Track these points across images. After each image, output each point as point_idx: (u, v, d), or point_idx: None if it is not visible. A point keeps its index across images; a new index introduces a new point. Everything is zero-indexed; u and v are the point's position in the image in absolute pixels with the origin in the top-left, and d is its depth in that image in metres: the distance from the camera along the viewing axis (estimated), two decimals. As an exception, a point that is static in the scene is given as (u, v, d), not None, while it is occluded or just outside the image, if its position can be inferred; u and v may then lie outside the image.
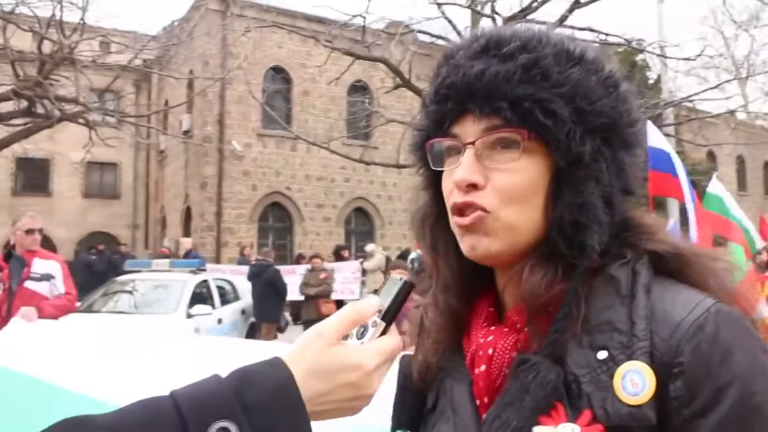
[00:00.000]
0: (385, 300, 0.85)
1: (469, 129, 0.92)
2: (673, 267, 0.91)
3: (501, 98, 0.88)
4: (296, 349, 0.80)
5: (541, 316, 0.89)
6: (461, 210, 0.92)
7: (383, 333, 0.84)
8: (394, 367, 1.11)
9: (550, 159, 0.90)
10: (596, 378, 0.83)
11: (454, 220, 0.94)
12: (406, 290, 0.85)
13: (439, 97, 0.95)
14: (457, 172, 0.91)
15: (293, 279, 13.52)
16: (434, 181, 1.01)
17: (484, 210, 0.90)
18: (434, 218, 1.02)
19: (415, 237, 1.08)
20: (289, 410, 0.72)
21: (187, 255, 15.32)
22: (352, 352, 0.80)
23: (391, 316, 0.85)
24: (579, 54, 0.92)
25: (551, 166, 0.90)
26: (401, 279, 0.86)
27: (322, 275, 12.63)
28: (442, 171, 0.97)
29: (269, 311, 11.97)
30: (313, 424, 0.75)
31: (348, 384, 0.79)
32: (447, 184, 0.95)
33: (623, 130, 0.92)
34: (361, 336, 0.83)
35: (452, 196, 0.93)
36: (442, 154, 0.96)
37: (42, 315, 5.36)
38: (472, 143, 0.91)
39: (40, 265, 6.01)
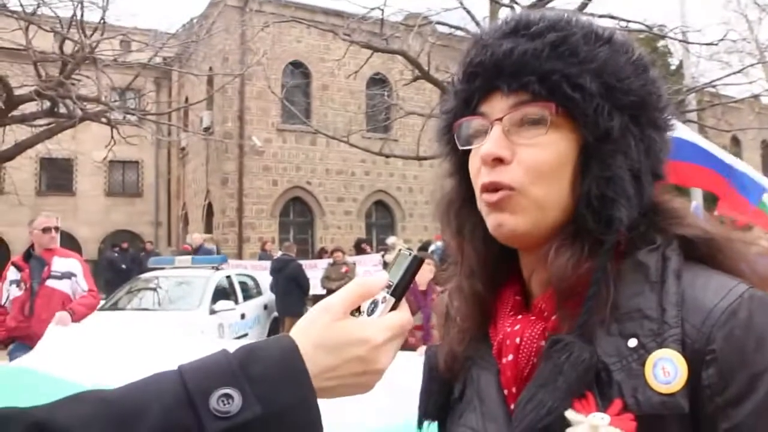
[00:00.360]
0: (395, 275, 0.84)
1: (497, 106, 0.92)
2: (705, 252, 0.89)
3: (529, 73, 0.88)
4: (303, 324, 0.80)
5: (570, 300, 0.88)
6: (489, 189, 0.91)
7: (393, 309, 0.83)
8: (419, 361, 1.10)
9: (577, 135, 0.89)
10: (627, 366, 0.81)
11: (482, 198, 0.93)
12: (416, 265, 0.84)
13: (467, 76, 0.95)
14: (484, 146, 0.91)
15: (315, 273, 13.58)
16: (461, 166, 1.01)
17: (511, 188, 0.89)
18: (460, 202, 1.02)
19: (440, 223, 1.07)
20: (293, 381, 0.72)
21: (198, 250, 15.33)
22: (359, 326, 0.79)
23: (400, 291, 0.83)
24: (608, 36, 0.93)
25: (579, 141, 0.89)
26: (411, 254, 0.85)
27: (344, 269, 12.69)
28: (468, 156, 0.97)
29: (292, 305, 12.03)
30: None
31: (356, 358, 0.78)
32: (474, 163, 0.95)
33: (652, 111, 0.91)
34: (371, 312, 0.82)
35: (480, 176, 0.92)
36: (470, 135, 0.96)
37: (75, 318, 5.53)
38: (500, 119, 0.91)
39: (60, 264, 6.09)
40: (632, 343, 0.82)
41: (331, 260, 13.47)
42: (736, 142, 30.19)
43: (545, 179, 0.89)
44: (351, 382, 0.79)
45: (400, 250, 0.88)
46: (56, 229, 6.22)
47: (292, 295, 12.01)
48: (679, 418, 0.78)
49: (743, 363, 0.78)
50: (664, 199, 0.95)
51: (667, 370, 0.79)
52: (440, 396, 1.05)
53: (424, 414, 1.07)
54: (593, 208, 0.87)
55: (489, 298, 1.01)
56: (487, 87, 0.92)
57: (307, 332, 0.78)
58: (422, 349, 4.79)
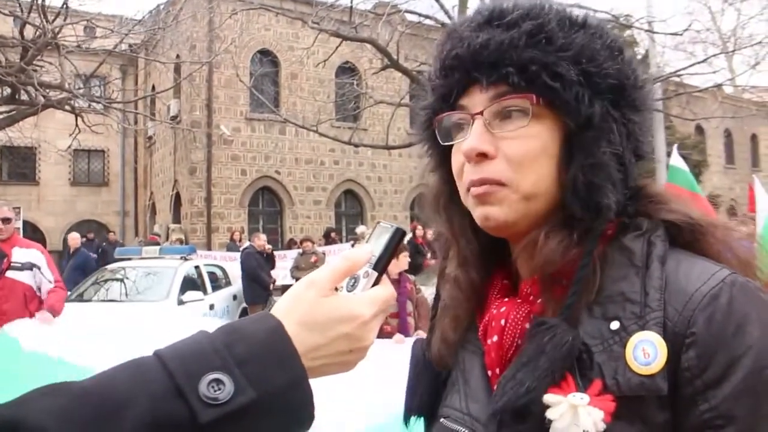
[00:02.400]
0: (376, 249, 0.81)
1: (477, 99, 0.91)
2: (688, 238, 0.90)
3: (507, 64, 0.87)
4: (287, 301, 0.76)
5: (555, 286, 0.88)
6: (475, 185, 0.91)
7: (375, 283, 0.80)
8: (407, 353, 1.09)
9: (560, 123, 0.89)
10: (608, 348, 0.82)
11: (469, 191, 0.92)
12: (398, 238, 0.81)
13: (445, 71, 0.94)
14: (466, 142, 0.90)
15: (284, 263, 13.59)
16: (443, 161, 1.01)
17: (501, 183, 0.89)
18: (447, 196, 1.02)
19: (431, 217, 1.07)
20: (283, 362, 0.69)
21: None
22: (346, 302, 0.76)
23: (383, 265, 0.80)
24: (582, 21, 0.93)
25: (561, 130, 0.89)
26: (392, 226, 0.82)
27: (313, 258, 12.69)
28: (450, 150, 0.97)
29: (247, 294, 12.10)
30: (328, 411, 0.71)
31: (343, 336, 0.75)
32: (457, 159, 0.94)
33: (631, 92, 0.92)
34: (352, 287, 0.79)
35: (466, 173, 0.92)
36: (451, 130, 0.95)
37: (57, 314, 5.53)
38: (480, 113, 0.90)
39: (20, 255, 5.98)
40: (614, 325, 0.83)
41: (300, 250, 13.45)
42: (700, 130, 30.71)
43: (531, 171, 0.89)
44: (336, 361, 0.76)
45: (378, 222, 0.85)
46: (7, 220, 6.07)
47: (247, 285, 12.06)
48: (658, 400, 0.79)
49: (723, 346, 0.79)
50: (647, 183, 0.96)
51: (647, 352, 0.80)
52: (428, 390, 1.04)
53: (411, 409, 1.06)
54: (580, 195, 0.87)
55: (482, 284, 1.01)
56: (465, 80, 0.92)
57: (291, 309, 0.74)
58: (398, 336, 4.82)
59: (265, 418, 0.66)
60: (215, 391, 0.64)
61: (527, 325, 0.90)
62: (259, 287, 12.05)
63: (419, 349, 1.08)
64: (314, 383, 0.72)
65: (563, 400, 0.79)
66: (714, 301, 0.80)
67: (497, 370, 0.92)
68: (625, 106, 0.90)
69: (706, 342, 0.79)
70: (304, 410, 0.70)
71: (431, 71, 0.99)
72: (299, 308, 0.74)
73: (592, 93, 0.87)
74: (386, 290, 0.80)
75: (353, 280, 0.79)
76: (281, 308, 0.75)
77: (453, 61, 0.93)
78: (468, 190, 0.92)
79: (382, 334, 4.76)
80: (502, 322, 0.93)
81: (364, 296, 0.78)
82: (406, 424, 1.06)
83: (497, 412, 0.85)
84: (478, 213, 0.92)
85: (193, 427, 0.63)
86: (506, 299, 0.97)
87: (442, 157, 1.00)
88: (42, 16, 12.60)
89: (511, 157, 0.88)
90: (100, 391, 0.64)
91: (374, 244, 0.82)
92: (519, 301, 0.95)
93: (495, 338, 0.93)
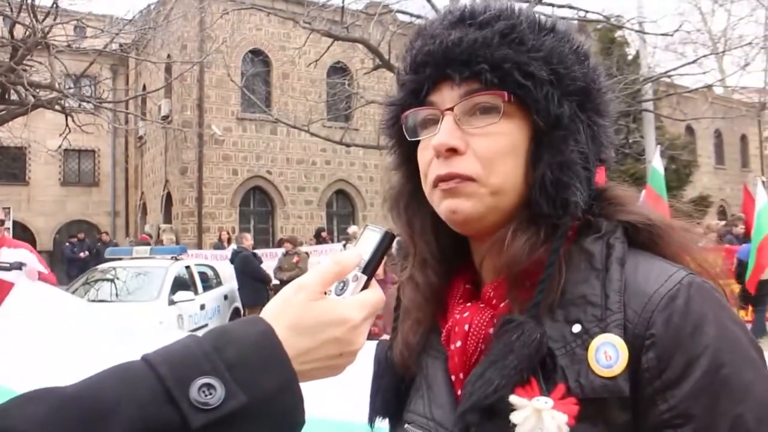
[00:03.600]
0: (365, 253, 0.81)
1: (447, 95, 0.92)
2: (646, 238, 0.92)
3: (480, 62, 0.88)
4: (276, 305, 0.76)
5: (520, 288, 0.89)
6: (444, 180, 0.91)
7: (364, 287, 0.80)
8: (370, 356, 1.09)
9: (528, 123, 0.90)
10: (571, 351, 0.83)
11: (437, 186, 0.92)
12: (387, 241, 0.81)
13: (416, 66, 0.95)
14: (436, 137, 0.90)
15: (274, 263, 13.53)
16: (408, 158, 1.01)
17: (470, 179, 0.89)
18: (409, 195, 1.02)
19: (391, 216, 1.06)
20: (273, 366, 0.69)
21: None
22: (335, 305, 0.76)
23: (372, 268, 0.81)
24: (551, 25, 0.94)
25: (530, 129, 0.90)
26: (381, 229, 0.82)
27: (295, 259, 12.66)
28: (415, 148, 0.97)
29: (246, 297, 12.04)
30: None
31: (333, 340, 0.75)
32: (424, 156, 0.94)
33: (596, 97, 0.94)
34: (341, 291, 0.79)
35: (433, 168, 0.92)
36: (419, 126, 0.96)
37: (47, 282, 5.54)
38: (451, 109, 0.91)
39: (8, 254, 5.94)
40: (576, 328, 0.84)
41: (284, 250, 13.43)
42: (690, 131, 30.78)
43: (499, 167, 0.89)
44: (326, 365, 0.76)
45: (367, 225, 0.85)
46: (1, 222, 6.05)
47: (245, 287, 11.97)
48: (620, 401, 0.81)
49: (680, 347, 0.80)
50: (607, 185, 0.97)
51: (608, 354, 0.81)
52: (391, 392, 1.05)
53: (374, 410, 1.06)
54: (548, 193, 0.88)
55: (442, 288, 1.02)
56: (436, 76, 0.92)
57: (281, 313, 0.74)
58: (385, 337, 4.80)
59: (255, 422, 0.66)
60: (206, 395, 0.64)
61: (491, 330, 0.90)
62: (261, 285, 12.01)
63: (382, 351, 1.08)
64: (304, 387, 0.72)
65: (527, 404, 0.80)
66: (672, 303, 0.82)
67: (461, 375, 0.93)
68: (591, 109, 0.92)
69: (664, 343, 0.80)
70: (295, 414, 0.70)
71: (400, 68, 1.00)
72: (289, 312, 0.74)
73: (561, 94, 0.89)
74: (375, 294, 0.80)
75: (342, 284, 0.79)
76: (270, 312, 0.75)
77: (425, 57, 0.93)
78: (435, 185, 0.92)
79: (370, 334, 4.75)
80: (466, 327, 0.93)
81: (354, 300, 0.78)
82: (371, 425, 1.06)
83: (466, 410, 0.85)
84: (445, 206, 0.92)
85: None
86: (469, 304, 0.97)
87: (407, 154, 1.01)
88: (32, 15, 12.52)
89: (481, 153, 0.89)
90: (85, 397, 0.63)
91: (363, 247, 0.82)
92: (482, 305, 0.95)
93: (459, 343, 0.94)
